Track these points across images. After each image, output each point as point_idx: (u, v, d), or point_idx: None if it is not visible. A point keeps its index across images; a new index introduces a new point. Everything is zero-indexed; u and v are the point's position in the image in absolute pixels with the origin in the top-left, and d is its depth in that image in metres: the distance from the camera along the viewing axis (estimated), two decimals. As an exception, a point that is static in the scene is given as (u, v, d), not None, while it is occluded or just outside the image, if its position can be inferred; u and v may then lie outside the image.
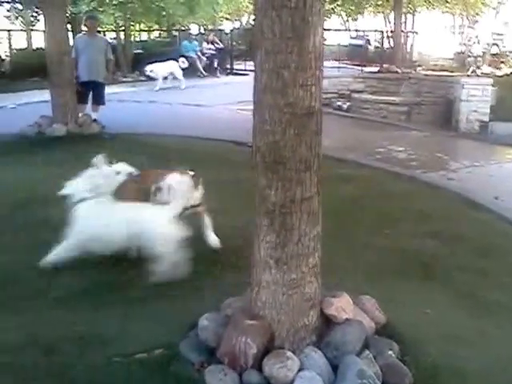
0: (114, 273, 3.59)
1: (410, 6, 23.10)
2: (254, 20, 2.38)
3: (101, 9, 14.92)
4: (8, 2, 18.86)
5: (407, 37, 22.38)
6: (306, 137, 2.39)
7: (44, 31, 8.70)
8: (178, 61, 15.06)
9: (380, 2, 23.25)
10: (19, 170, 6.13)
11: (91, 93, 8.73)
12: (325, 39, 2.52)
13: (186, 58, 16.63)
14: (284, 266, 2.50)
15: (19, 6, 19.20)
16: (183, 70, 15.05)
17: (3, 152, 7.00)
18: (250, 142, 7.71)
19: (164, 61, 14.75)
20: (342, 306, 2.68)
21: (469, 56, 18.41)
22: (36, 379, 2.54)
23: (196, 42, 18.49)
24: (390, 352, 2.62)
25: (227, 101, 12.74)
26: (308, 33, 2.28)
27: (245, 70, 18.48)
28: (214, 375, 2.43)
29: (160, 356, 2.66)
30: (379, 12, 27.06)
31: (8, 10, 19.47)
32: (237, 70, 19.24)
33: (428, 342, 2.87)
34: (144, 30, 23.06)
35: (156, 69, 14.50)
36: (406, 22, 23.87)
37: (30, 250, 3.81)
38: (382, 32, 22.18)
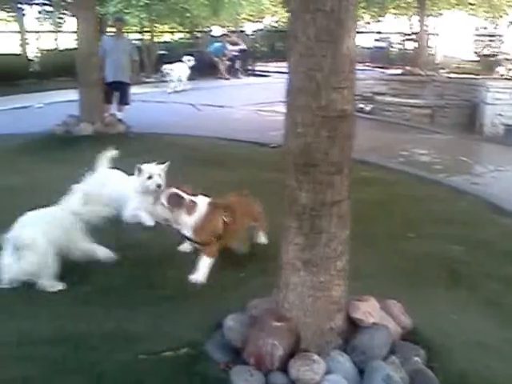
0: (142, 271, 3.66)
1: (433, 8, 22.86)
2: (288, 23, 2.39)
3: (126, 10, 15.08)
4: (38, 5, 19.28)
5: (430, 39, 22.15)
6: (338, 140, 2.38)
7: (74, 32, 8.88)
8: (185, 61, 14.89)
9: (403, 5, 23.01)
10: (47, 168, 6.24)
11: (116, 93, 8.88)
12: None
13: (213, 58, 16.76)
14: (312, 269, 2.50)
15: (48, 8, 19.62)
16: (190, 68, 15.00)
17: (32, 150, 7.16)
18: (273, 143, 7.80)
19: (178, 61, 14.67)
20: (368, 310, 2.67)
21: (495, 58, 18.14)
22: (65, 373, 2.58)
23: (226, 45, 18.51)
24: (417, 358, 2.59)
25: (249, 102, 12.78)
26: (342, 36, 2.28)
27: (266, 72, 18.52)
28: (240, 376, 2.44)
29: (186, 355, 2.68)
30: (402, 14, 26.85)
31: (39, 12, 19.93)
32: (258, 71, 19.27)
33: (455, 349, 2.83)
34: (167, 32, 23.22)
35: (174, 69, 14.31)
36: (429, 25, 23.61)
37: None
38: (405, 34, 21.99)
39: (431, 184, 6.54)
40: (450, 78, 14.75)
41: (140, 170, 4.42)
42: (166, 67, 14.29)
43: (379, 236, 4.56)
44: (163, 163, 4.54)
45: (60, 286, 3.38)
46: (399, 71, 17.23)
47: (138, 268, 3.68)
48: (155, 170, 4.43)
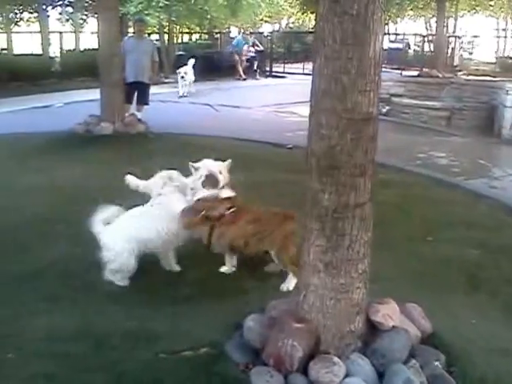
0: (163, 271, 3.69)
1: (452, 9, 22.71)
2: (315, 26, 2.40)
3: (146, 11, 15.20)
4: (60, 6, 19.57)
5: (448, 41, 22.00)
6: (362, 142, 2.39)
7: (94, 33, 9.00)
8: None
9: (421, 6, 22.88)
10: (68, 167, 6.32)
11: (136, 93, 8.96)
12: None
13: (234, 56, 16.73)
14: (333, 271, 2.51)
15: (70, 9, 19.92)
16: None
17: (54, 149, 7.26)
18: (289, 144, 7.80)
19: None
20: (388, 313, 2.67)
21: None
22: (86, 371, 2.61)
23: (249, 38, 18.38)
24: (437, 363, 2.58)
25: (266, 103, 12.80)
26: (369, 39, 2.29)
27: (283, 73, 18.54)
28: (260, 376, 2.45)
29: (206, 355, 2.70)
30: (420, 16, 26.70)
31: (60, 13, 20.24)
32: (276, 72, 19.29)
33: (475, 354, 2.81)
34: (185, 33, 23.37)
35: (188, 72, 13.93)
36: (447, 26, 23.46)
37: (87, 243, 3.84)
38: (423, 36, 21.87)
39: (449, 187, 6.49)
40: (468, 80, 14.63)
41: (196, 168, 3.96)
42: (181, 70, 13.87)
43: (397, 239, 4.54)
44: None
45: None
46: (416, 73, 17.15)
47: (159, 268, 3.72)
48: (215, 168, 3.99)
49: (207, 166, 3.91)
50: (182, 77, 13.74)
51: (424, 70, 17.06)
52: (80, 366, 2.64)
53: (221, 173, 3.94)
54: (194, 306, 3.20)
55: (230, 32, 21.43)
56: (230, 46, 18.80)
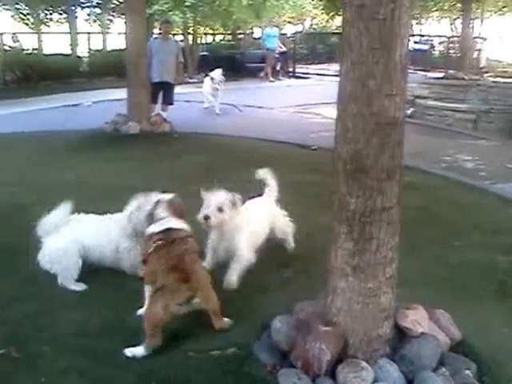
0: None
1: (478, 10, 22.41)
2: (342, 31, 2.41)
3: (171, 12, 15.34)
4: (88, 7, 19.92)
5: (475, 42, 21.70)
6: (389, 146, 2.39)
7: (121, 33, 9.15)
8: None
9: (447, 7, 22.64)
10: (96, 165, 6.42)
11: (161, 93, 9.07)
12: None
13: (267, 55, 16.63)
14: (361, 275, 2.51)
15: (97, 11, 20.25)
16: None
17: (82, 147, 7.40)
18: (313, 145, 7.75)
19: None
20: (417, 319, 2.65)
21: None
22: (117, 366, 2.67)
23: (277, 30, 18.07)
24: (468, 371, 2.55)
25: (289, 103, 12.80)
26: (395, 44, 2.29)
27: (307, 74, 18.52)
28: (287, 378, 2.47)
29: (233, 355, 2.74)
30: (445, 17, 26.41)
31: (88, 14, 20.61)
32: (299, 73, 19.27)
33: (506, 363, 2.76)
34: (209, 33, 23.52)
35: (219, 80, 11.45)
36: (473, 27, 23.16)
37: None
38: (448, 37, 21.62)
39: (476, 191, 6.39)
40: (496, 82, 14.39)
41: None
42: (215, 78, 11.42)
43: (422, 243, 4.50)
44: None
45: None
46: (441, 74, 16.93)
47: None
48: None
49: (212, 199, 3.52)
50: (216, 88, 11.27)
51: (449, 71, 16.82)
52: (110, 362, 2.70)
53: (221, 210, 3.47)
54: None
55: (253, 33, 21.46)
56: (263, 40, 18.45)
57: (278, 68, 18.70)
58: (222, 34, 23.77)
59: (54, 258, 3.40)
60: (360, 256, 2.49)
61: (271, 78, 17.86)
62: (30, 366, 2.67)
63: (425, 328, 2.64)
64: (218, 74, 11.49)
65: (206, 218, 3.42)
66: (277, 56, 18.62)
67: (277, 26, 18.61)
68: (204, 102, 11.87)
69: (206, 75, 12.13)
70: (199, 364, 2.67)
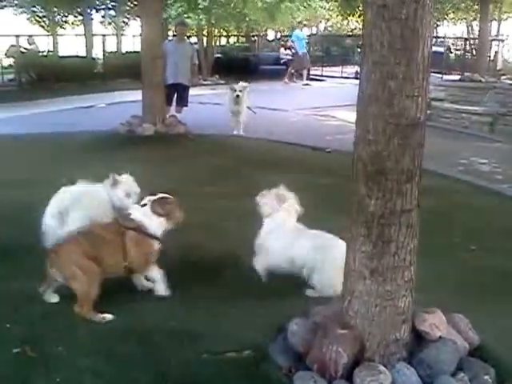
0: (204, 271, 3.73)
1: (495, 12, 22.21)
2: (362, 32, 2.39)
3: (185, 15, 15.41)
4: (103, 9, 20.10)
5: (492, 44, 21.50)
6: (409, 148, 2.37)
7: (136, 35, 9.23)
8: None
9: (463, 9, 22.46)
10: (110, 166, 6.42)
11: (176, 95, 9.11)
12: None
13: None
14: (379, 278, 2.48)
15: (112, 13, 20.43)
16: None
17: (96, 148, 7.44)
18: (328, 147, 7.72)
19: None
20: (435, 323, 2.62)
21: None
22: (132, 368, 2.66)
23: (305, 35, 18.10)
24: (487, 377, 2.51)
25: (303, 106, 12.79)
26: (417, 44, 2.27)
27: (321, 76, 18.48)
28: (303, 381, 2.45)
29: (249, 357, 2.71)
30: (461, 19, 26.22)
31: (102, 16, 20.79)
32: (313, 75, 19.25)
33: (526, 369, 2.73)
34: (223, 36, 23.59)
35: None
36: (490, 29, 22.95)
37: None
38: (465, 39, 21.44)
39: (492, 194, 6.33)
40: (513, 84, 14.25)
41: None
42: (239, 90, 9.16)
43: (438, 247, 4.44)
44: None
45: None
46: (458, 77, 16.81)
47: (200, 267, 3.76)
48: None
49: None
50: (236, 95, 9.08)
51: (466, 73, 16.70)
52: (125, 364, 2.69)
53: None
54: (235, 307, 3.22)
55: (267, 35, 21.48)
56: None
57: (292, 71, 18.69)
58: (235, 36, 23.82)
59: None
60: (378, 259, 2.46)
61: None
62: (45, 366, 2.65)
63: (443, 332, 2.61)
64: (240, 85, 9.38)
65: None
66: (290, 58, 18.62)
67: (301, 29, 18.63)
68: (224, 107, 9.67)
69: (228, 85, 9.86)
70: (215, 366, 2.66)
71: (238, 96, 9.01)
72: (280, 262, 3.53)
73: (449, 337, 2.63)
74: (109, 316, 3.06)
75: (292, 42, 17.96)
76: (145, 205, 3.40)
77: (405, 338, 2.58)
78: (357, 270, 2.53)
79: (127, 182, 4.00)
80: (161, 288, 3.35)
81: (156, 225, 3.35)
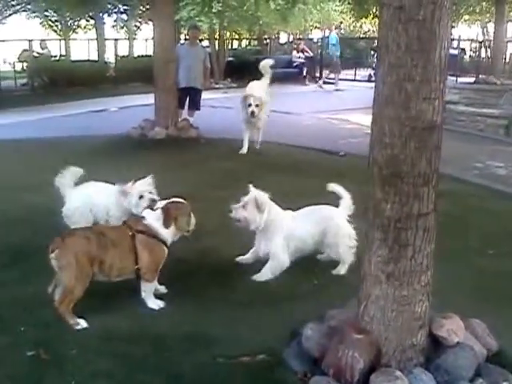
0: (218, 275, 3.72)
1: (511, 13, 21.98)
2: (379, 34, 2.37)
3: (197, 18, 15.45)
4: (115, 13, 20.23)
5: (507, 46, 21.29)
6: (426, 151, 2.34)
7: (148, 39, 9.25)
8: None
9: (478, 11, 22.28)
10: (122, 170, 6.45)
11: (188, 98, 9.12)
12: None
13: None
14: (395, 282, 2.46)
15: (124, 17, 20.56)
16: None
17: (108, 152, 7.46)
18: (341, 151, 7.65)
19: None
20: (453, 328, 2.60)
21: None
22: (145, 371, 2.66)
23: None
24: (506, 383, 2.48)
25: (316, 109, 12.74)
26: (434, 46, 2.24)
27: (333, 79, 18.37)
28: (319, 386, 2.43)
29: (263, 361, 2.71)
30: (476, 20, 26.01)
31: (115, 21, 20.94)
32: (326, 78, 19.19)
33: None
34: (235, 39, 23.62)
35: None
36: (506, 31, 22.73)
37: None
38: (480, 41, 21.26)
39: (509, 198, 6.23)
40: (529, 86, 14.09)
41: None
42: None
43: (455, 251, 4.39)
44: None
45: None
46: (472, 79, 16.67)
47: (214, 271, 3.76)
48: None
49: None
50: (251, 111, 7.42)
51: (480, 76, 16.55)
52: (138, 367, 2.70)
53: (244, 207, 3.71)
54: (250, 311, 3.21)
55: (279, 38, 21.47)
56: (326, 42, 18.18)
57: (304, 73, 18.67)
58: (248, 39, 23.84)
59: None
60: (395, 263, 2.44)
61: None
62: (59, 369, 2.67)
63: (460, 338, 2.58)
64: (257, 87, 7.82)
65: (229, 211, 3.71)
66: (303, 61, 18.59)
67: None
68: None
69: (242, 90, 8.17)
70: (228, 370, 2.65)
71: (253, 113, 7.43)
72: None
73: (466, 342, 2.60)
74: (83, 322, 3.02)
75: (332, 44, 17.81)
76: (157, 209, 3.38)
77: (422, 343, 2.56)
78: (373, 274, 2.51)
79: (142, 185, 3.97)
80: (150, 301, 3.29)
81: (167, 230, 3.31)
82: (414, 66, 2.25)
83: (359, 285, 2.65)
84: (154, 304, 3.25)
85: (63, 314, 3.01)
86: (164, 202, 3.40)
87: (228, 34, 21.55)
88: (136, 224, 3.30)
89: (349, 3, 21.40)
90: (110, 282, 3.25)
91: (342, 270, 3.80)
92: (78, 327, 3.00)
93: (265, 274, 3.65)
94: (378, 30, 2.41)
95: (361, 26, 27.74)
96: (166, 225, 3.29)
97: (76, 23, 22.26)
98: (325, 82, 17.94)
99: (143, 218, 3.35)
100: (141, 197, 3.86)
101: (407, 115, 2.30)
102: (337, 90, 17.03)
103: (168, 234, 3.31)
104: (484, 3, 21.05)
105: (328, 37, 18.57)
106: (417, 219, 2.40)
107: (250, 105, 7.48)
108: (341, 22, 26.99)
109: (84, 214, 4.08)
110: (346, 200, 3.92)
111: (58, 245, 3.06)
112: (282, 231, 3.69)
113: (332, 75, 17.83)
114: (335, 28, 19.04)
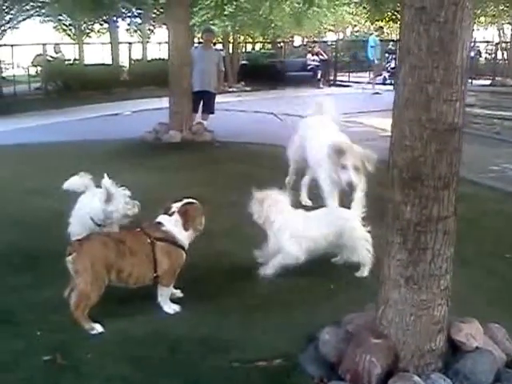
0: (234, 279, 3.71)
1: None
2: (400, 35, 2.35)
3: (211, 22, 15.49)
4: (129, 17, 20.33)
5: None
6: (446, 153, 2.31)
7: (161, 43, 9.26)
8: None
9: (495, 13, 22.07)
10: (137, 173, 6.48)
11: (202, 102, 9.13)
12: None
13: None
14: (414, 286, 2.43)
15: (138, 21, 20.64)
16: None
17: (123, 156, 7.48)
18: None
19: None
20: (472, 332, 2.55)
21: None
22: (162, 375, 2.65)
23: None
24: (526, 389, 2.44)
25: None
26: (456, 47, 2.22)
27: (348, 82, 18.38)
28: (336, 391, 2.41)
29: (279, 366, 2.68)
30: (492, 23, 25.78)
31: (128, 24, 21.03)
32: (340, 81, 19.18)
33: None
34: (249, 42, 23.64)
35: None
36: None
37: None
38: (496, 43, 21.07)
39: (527, 202, 6.17)
40: (545, 89, 13.95)
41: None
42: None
43: (471, 255, 4.34)
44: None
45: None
46: (488, 82, 16.53)
47: (230, 275, 3.74)
48: None
49: None
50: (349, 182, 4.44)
51: (497, 78, 16.40)
52: (154, 371, 2.68)
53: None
54: (266, 316, 3.18)
55: (293, 41, 21.45)
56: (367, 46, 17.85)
57: (318, 76, 18.64)
58: (261, 42, 23.85)
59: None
60: (414, 267, 2.41)
61: (376, 89, 17.02)
62: (75, 373, 2.66)
63: (479, 342, 2.54)
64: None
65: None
66: (317, 64, 18.55)
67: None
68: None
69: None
70: (245, 375, 2.63)
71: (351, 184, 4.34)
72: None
73: (485, 347, 2.56)
74: (99, 327, 3.01)
75: (371, 47, 17.66)
76: (173, 213, 3.33)
77: (440, 347, 2.52)
78: (392, 278, 2.48)
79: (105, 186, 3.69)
80: (166, 305, 3.27)
81: (185, 235, 3.29)
82: (435, 67, 2.23)
83: (377, 289, 2.62)
84: (170, 308, 3.24)
85: (78, 318, 3.00)
86: (178, 205, 3.36)
87: (242, 37, 21.57)
88: (154, 231, 3.26)
89: (364, 7, 21.36)
90: (127, 288, 3.24)
91: (364, 272, 3.77)
92: (94, 332, 3.00)
93: (271, 266, 3.65)
94: (399, 31, 2.39)
95: (374, 29, 27.59)
96: (186, 227, 3.26)
97: (90, 27, 22.37)
98: (341, 85, 17.92)
99: (160, 223, 3.30)
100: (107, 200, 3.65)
101: (428, 117, 2.27)
102: (375, 93, 16.67)
103: (185, 238, 3.29)
104: (501, 6, 20.84)
105: (367, 40, 18.34)
106: (437, 222, 2.37)
107: (344, 167, 4.44)
108: (355, 25, 26.94)
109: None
110: (358, 202, 3.91)
111: (76, 249, 3.06)
112: (291, 230, 3.70)
113: (377, 78, 17.63)
114: (375, 30, 18.80)
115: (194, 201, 3.43)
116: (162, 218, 3.34)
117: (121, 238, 3.23)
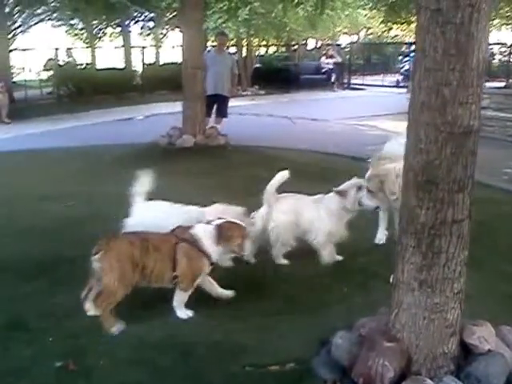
0: (247, 284, 3.68)
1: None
2: (416, 38, 2.34)
3: (224, 25, 15.51)
4: (142, 21, 20.39)
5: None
6: (462, 157, 2.30)
7: (174, 47, 9.27)
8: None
9: (509, 14, 21.86)
10: (150, 178, 6.50)
11: (215, 106, 9.11)
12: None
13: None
14: (428, 289, 2.42)
15: (151, 24, 20.69)
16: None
17: (136, 161, 7.46)
18: (369, 157, 7.56)
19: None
20: (484, 335, 2.54)
21: None
22: (175, 380, 2.66)
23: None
24: (538, 392, 2.42)
25: (344, 115, 12.66)
26: (472, 49, 2.20)
27: (362, 85, 18.32)
28: (349, 395, 2.40)
29: (292, 370, 2.68)
30: (506, 24, 25.53)
31: (141, 28, 21.09)
32: (354, 84, 19.12)
33: None
34: (263, 45, 23.64)
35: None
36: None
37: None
38: (509, 45, 20.85)
39: (541, 205, 6.10)
40: (561, 91, 13.77)
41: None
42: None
43: (484, 258, 4.29)
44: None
45: None
46: (502, 84, 16.37)
47: (246, 281, 3.72)
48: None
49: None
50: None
51: (510, 81, 16.23)
52: (168, 376, 2.69)
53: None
54: (279, 320, 3.18)
55: (307, 44, 21.44)
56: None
57: (332, 79, 18.61)
58: (275, 45, 23.85)
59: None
60: (428, 270, 2.40)
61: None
62: (87, 379, 2.66)
63: (492, 345, 2.53)
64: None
65: None
66: (331, 67, 18.51)
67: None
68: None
69: None
70: (258, 379, 2.63)
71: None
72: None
73: (497, 350, 2.55)
74: (121, 325, 3.02)
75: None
76: (210, 221, 3.35)
77: (453, 351, 2.51)
78: (405, 281, 2.47)
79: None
80: (180, 310, 3.27)
81: (214, 247, 3.26)
82: (451, 69, 2.21)
83: (390, 292, 2.61)
84: (183, 313, 3.24)
85: (102, 315, 3.02)
86: (222, 221, 3.34)
87: (255, 40, 21.59)
88: (183, 233, 3.28)
89: (378, 10, 21.25)
90: (148, 288, 3.25)
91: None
92: (114, 329, 3.01)
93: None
94: (415, 33, 2.38)
95: (389, 31, 27.49)
96: (216, 242, 3.25)
97: (102, 31, 22.42)
98: (355, 88, 17.85)
99: (191, 228, 3.31)
100: None
101: (443, 120, 2.26)
102: None
103: (214, 250, 3.26)
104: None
105: (408, 53, 18.24)
106: (451, 226, 2.36)
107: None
108: (369, 28, 26.84)
109: None
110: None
111: (102, 247, 3.07)
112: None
113: None
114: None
115: (238, 222, 3.40)
116: (198, 225, 3.35)
117: (146, 236, 3.24)
